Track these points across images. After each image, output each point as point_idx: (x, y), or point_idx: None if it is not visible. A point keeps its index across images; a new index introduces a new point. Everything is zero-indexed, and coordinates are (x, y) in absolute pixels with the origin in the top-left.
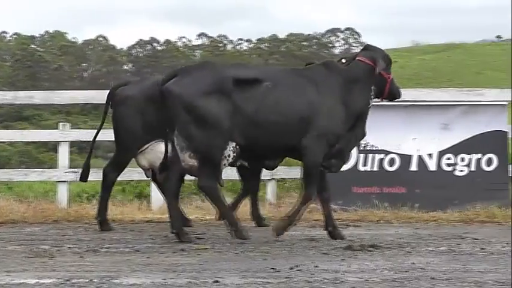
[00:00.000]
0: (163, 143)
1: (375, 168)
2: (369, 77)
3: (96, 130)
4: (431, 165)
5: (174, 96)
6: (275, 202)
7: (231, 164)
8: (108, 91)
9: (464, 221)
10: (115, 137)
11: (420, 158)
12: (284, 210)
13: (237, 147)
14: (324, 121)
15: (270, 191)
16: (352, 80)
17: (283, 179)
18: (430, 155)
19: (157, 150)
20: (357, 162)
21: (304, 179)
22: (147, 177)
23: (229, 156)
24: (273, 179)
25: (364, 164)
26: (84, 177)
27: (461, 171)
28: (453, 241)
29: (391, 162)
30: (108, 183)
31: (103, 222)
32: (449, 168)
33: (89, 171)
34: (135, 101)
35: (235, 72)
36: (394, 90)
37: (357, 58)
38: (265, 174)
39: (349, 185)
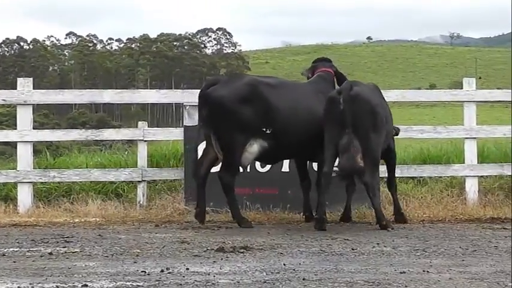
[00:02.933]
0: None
1: (247, 169)
2: None
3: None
4: None
5: (365, 103)
6: (145, 204)
7: None
8: None
9: (335, 222)
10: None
11: None
12: (155, 212)
13: None
14: None
15: (140, 193)
16: None
17: (154, 180)
18: None
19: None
20: None
21: (393, 175)
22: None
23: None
24: (144, 180)
25: None
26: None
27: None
28: (324, 242)
29: None
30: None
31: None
32: None
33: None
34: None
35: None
36: None
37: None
38: (134, 176)
39: (220, 186)
